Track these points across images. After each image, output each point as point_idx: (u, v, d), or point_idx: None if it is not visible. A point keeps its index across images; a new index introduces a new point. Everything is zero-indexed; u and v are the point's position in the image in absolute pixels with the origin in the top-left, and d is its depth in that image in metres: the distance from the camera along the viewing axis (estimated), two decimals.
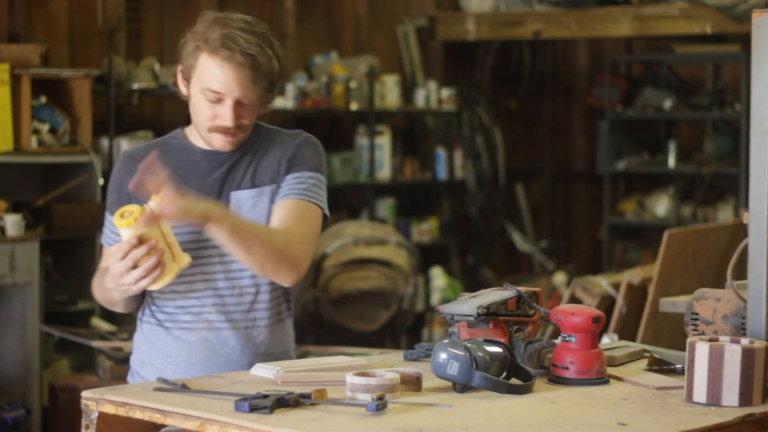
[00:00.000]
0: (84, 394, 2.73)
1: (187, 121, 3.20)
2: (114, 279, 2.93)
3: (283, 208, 3.07)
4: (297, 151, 3.13)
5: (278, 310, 3.17)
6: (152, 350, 3.15)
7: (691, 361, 2.63)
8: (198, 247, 3.05)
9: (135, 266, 2.87)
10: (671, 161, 8.79)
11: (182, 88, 3.09)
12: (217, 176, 3.09)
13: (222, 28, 2.99)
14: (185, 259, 2.93)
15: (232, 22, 3.02)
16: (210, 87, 2.99)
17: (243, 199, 3.08)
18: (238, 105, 3.01)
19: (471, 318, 2.92)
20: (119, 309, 3.18)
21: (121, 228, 2.89)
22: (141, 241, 2.87)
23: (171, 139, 3.19)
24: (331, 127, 8.33)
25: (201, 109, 3.03)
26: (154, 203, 2.88)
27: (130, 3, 7.26)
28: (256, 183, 3.10)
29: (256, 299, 3.11)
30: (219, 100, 3.00)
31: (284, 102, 7.74)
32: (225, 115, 3.01)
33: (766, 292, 2.69)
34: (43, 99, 6.36)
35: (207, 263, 3.07)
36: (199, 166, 3.10)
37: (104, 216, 3.20)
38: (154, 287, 2.94)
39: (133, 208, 2.89)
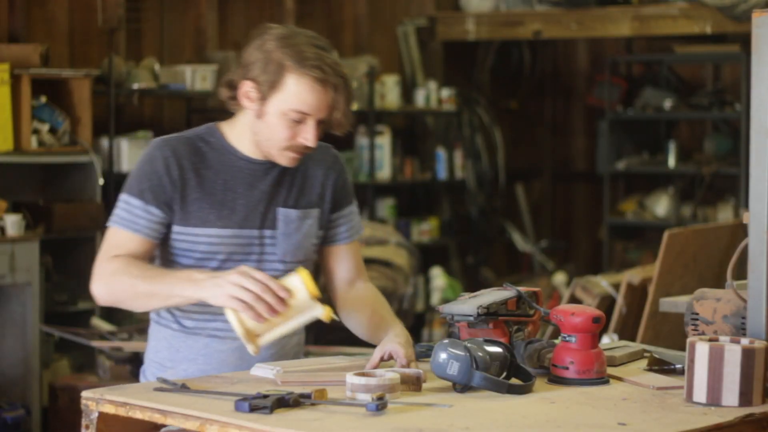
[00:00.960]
0: (84, 394, 2.73)
1: (211, 118, 3.13)
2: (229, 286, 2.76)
3: (354, 252, 3.23)
4: (342, 180, 3.15)
5: None
6: (177, 356, 3.05)
7: (691, 361, 2.63)
8: (241, 258, 2.99)
9: (257, 303, 2.75)
10: (671, 161, 8.79)
11: (248, 104, 2.96)
12: (264, 189, 3.02)
13: (305, 47, 2.89)
14: (264, 340, 2.80)
15: (305, 38, 2.92)
16: (299, 108, 2.90)
17: (290, 219, 3.04)
18: (319, 124, 2.95)
19: (471, 318, 2.92)
20: (128, 308, 3.01)
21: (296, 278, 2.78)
22: (287, 295, 2.76)
23: (208, 137, 3.05)
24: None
25: (279, 130, 2.93)
26: (320, 311, 2.78)
27: (130, 3, 7.26)
28: (302, 204, 3.06)
29: None
30: (302, 120, 2.93)
31: None
32: (307, 136, 2.93)
33: (766, 292, 2.69)
34: (43, 99, 6.35)
35: (252, 263, 2.99)
36: (244, 174, 3.02)
37: (122, 198, 3.01)
38: (237, 328, 2.76)
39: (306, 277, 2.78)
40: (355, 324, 3.15)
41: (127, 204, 2.99)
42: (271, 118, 2.94)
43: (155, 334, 3.12)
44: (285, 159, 2.99)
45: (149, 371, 3.12)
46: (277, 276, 2.87)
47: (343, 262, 3.21)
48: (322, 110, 2.92)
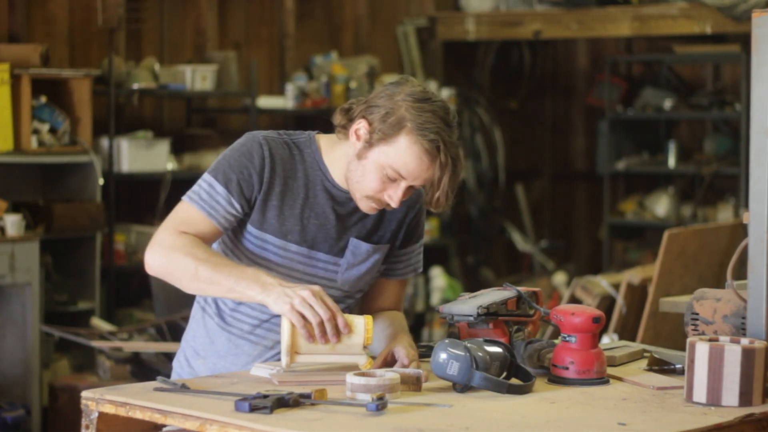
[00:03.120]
0: (84, 394, 2.73)
1: (294, 124, 3.08)
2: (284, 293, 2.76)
3: (400, 287, 3.19)
4: (418, 219, 3.12)
5: None
6: (211, 348, 3.05)
7: (691, 361, 2.63)
8: (300, 277, 2.99)
9: (318, 326, 2.75)
10: (671, 161, 8.79)
11: (354, 141, 2.93)
12: (341, 216, 3.00)
13: (431, 117, 2.84)
14: (301, 359, 2.79)
15: (436, 107, 2.87)
16: (397, 169, 2.86)
17: (360, 251, 3.02)
18: (409, 188, 2.91)
19: (471, 318, 2.92)
20: (180, 286, 2.91)
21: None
22: (347, 332, 2.78)
23: (304, 147, 3.02)
24: (331, 127, 8.32)
25: (371, 178, 2.90)
26: (363, 360, 2.80)
27: (130, 3, 7.26)
28: (375, 239, 3.04)
29: None
30: (395, 180, 2.89)
31: (284, 102, 7.74)
32: (394, 196, 2.89)
33: (766, 292, 2.69)
34: (43, 99, 6.36)
35: (309, 284, 2.95)
36: (326, 197, 2.99)
37: (206, 179, 2.95)
38: (286, 337, 2.77)
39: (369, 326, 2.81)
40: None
41: (210, 187, 2.94)
42: (369, 164, 2.90)
43: (198, 319, 3.10)
44: (364, 205, 2.95)
45: (182, 354, 3.12)
46: None
47: (386, 294, 3.19)
48: (419, 180, 2.88)
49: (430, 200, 2.90)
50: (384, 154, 2.88)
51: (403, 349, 2.89)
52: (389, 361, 2.90)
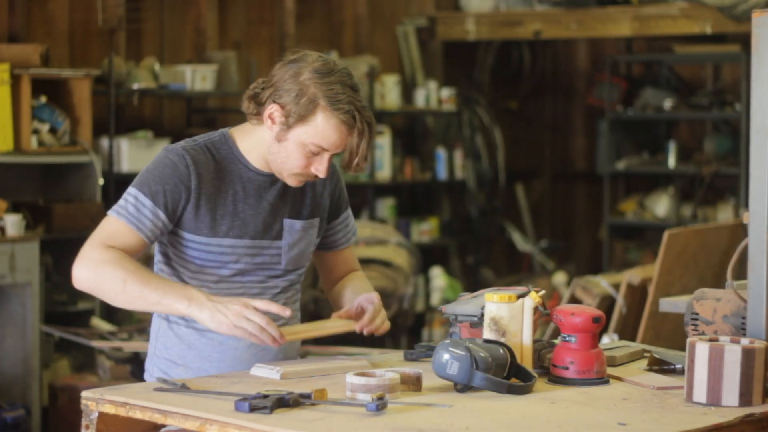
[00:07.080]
0: (84, 394, 2.73)
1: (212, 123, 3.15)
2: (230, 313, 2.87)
3: (349, 255, 3.33)
4: (339, 189, 3.24)
5: (299, 312, 3.24)
6: (189, 352, 3.06)
7: (691, 361, 2.63)
8: (251, 268, 3.08)
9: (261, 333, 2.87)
10: (671, 161, 8.79)
11: (269, 125, 3.01)
12: (270, 200, 3.08)
13: (340, 87, 2.97)
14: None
15: (340, 76, 2.99)
16: (320, 144, 2.97)
17: (295, 229, 3.11)
18: (332, 156, 3.03)
19: (475, 318, 2.93)
20: (107, 300, 2.97)
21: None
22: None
23: (221, 145, 3.09)
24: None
25: (295, 157, 3.00)
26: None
27: (130, 3, 7.26)
28: (305, 214, 3.14)
29: (294, 304, 3.18)
30: (318, 153, 2.99)
31: None
32: (320, 167, 3.00)
33: (766, 292, 2.69)
34: (43, 99, 6.36)
35: (259, 272, 3.10)
36: (252, 185, 3.07)
37: (131, 192, 3.00)
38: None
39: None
40: (335, 295, 3.28)
41: (136, 200, 2.99)
42: (291, 145, 2.99)
43: (164, 331, 3.11)
44: (292, 181, 3.06)
45: (156, 368, 3.11)
46: (280, 286, 3.10)
47: (340, 265, 3.32)
48: (341, 147, 2.99)
49: (349, 165, 3.02)
50: (304, 133, 2.97)
51: (365, 297, 3.06)
52: (357, 313, 3.04)
